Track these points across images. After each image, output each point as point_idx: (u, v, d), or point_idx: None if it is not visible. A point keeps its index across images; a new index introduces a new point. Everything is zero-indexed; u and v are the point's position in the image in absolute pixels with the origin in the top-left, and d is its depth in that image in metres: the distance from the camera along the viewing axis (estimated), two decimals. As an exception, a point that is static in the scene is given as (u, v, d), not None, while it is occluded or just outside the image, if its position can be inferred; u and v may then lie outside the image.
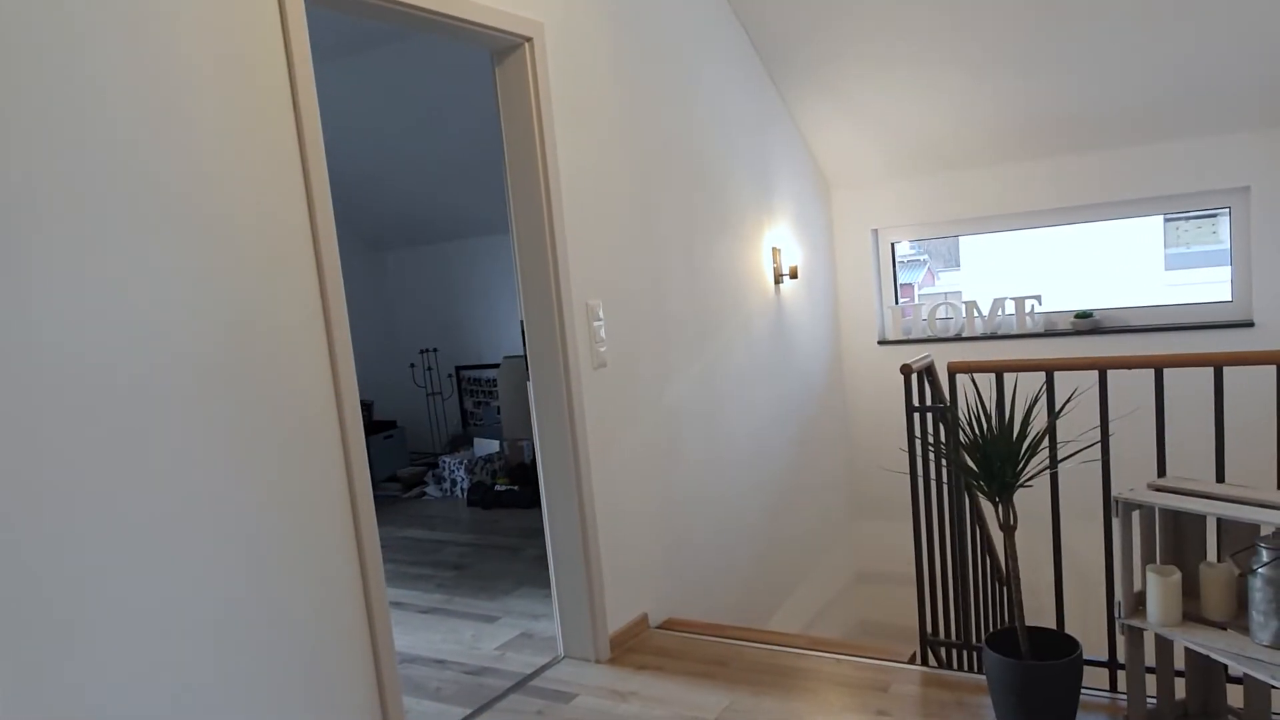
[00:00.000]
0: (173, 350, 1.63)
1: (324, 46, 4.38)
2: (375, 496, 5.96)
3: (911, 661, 2.56)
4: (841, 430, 4.91)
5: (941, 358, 4.58)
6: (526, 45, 2.56)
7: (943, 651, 2.74)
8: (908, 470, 4.41)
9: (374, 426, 6.29)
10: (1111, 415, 2.57)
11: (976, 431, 2.17)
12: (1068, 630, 2.24)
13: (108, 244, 1.53)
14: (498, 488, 5.27)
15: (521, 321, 2.80)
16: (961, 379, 2.62)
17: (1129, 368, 2.21)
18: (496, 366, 6.19)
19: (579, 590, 2.82)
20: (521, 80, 2.59)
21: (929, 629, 2.69)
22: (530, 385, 2.81)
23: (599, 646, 2.78)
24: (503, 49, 2.59)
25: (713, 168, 3.57)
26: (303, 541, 1.85)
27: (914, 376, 2.60)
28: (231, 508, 1.72)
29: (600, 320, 2.87)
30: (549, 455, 2.80)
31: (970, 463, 2.20)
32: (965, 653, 2.75)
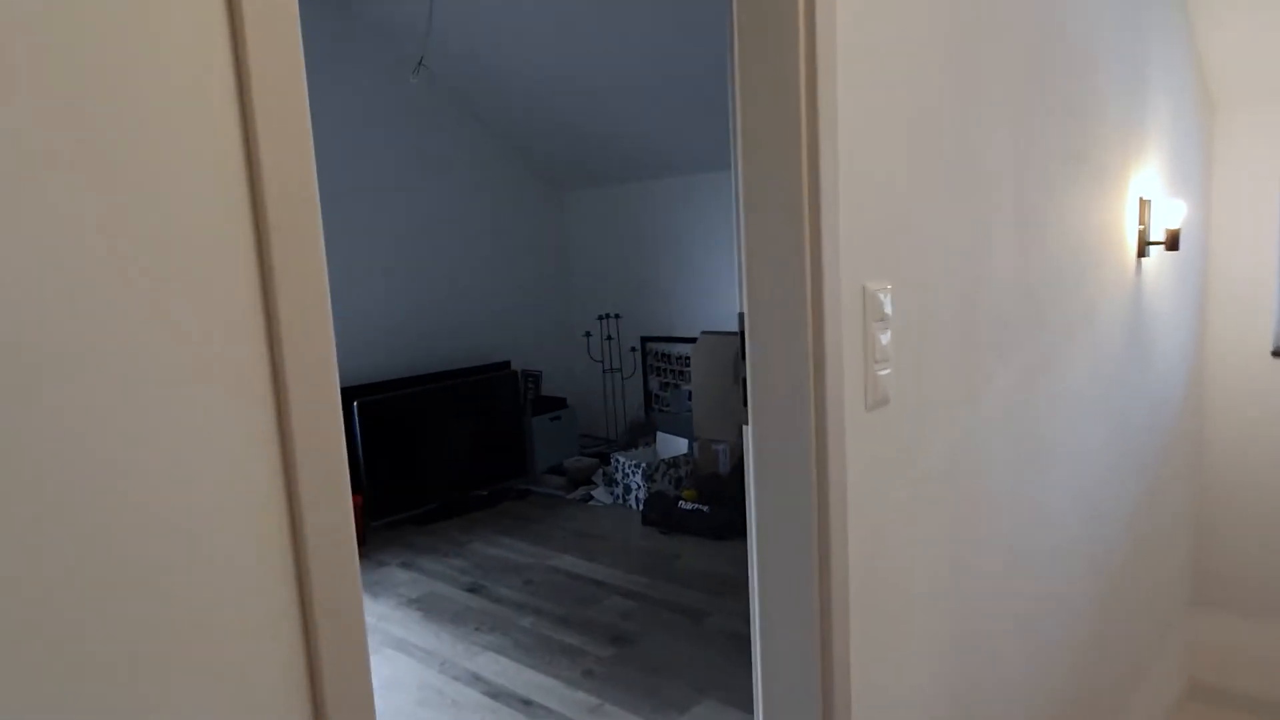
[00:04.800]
0: None
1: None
2: (533, 494, 5.04)
3: None
4: (1189, 478, 3.30)
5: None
6: None
7: None
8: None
9: (541, 403, 5.26)
10: None
11: None
12: None
13: None
14: (682, 505, 4.07)
15: (741, 316, 1.52)
16: None
17: None
18: (691, 342, 4.95)
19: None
20: None
21: None
22: (748, 432, 1.53)
23: None
24: None
25: (1065, 66, 2.09)
26: None
27: None
28: None
29: (884, 318, 1.54)
30: (773, 563, 1.51)
31: None
32: None
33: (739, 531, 3.91)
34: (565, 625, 3.03)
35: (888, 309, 1.55)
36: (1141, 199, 2.54)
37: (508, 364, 5.17)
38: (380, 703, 2.57)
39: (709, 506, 4.01)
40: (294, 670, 0.78)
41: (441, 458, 4.57)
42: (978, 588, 1.86)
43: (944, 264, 1.69)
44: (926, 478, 1.68)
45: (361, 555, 3.89)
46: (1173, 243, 2.57)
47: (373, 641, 2.99)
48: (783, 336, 1.46)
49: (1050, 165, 2.02)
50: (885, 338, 1.56)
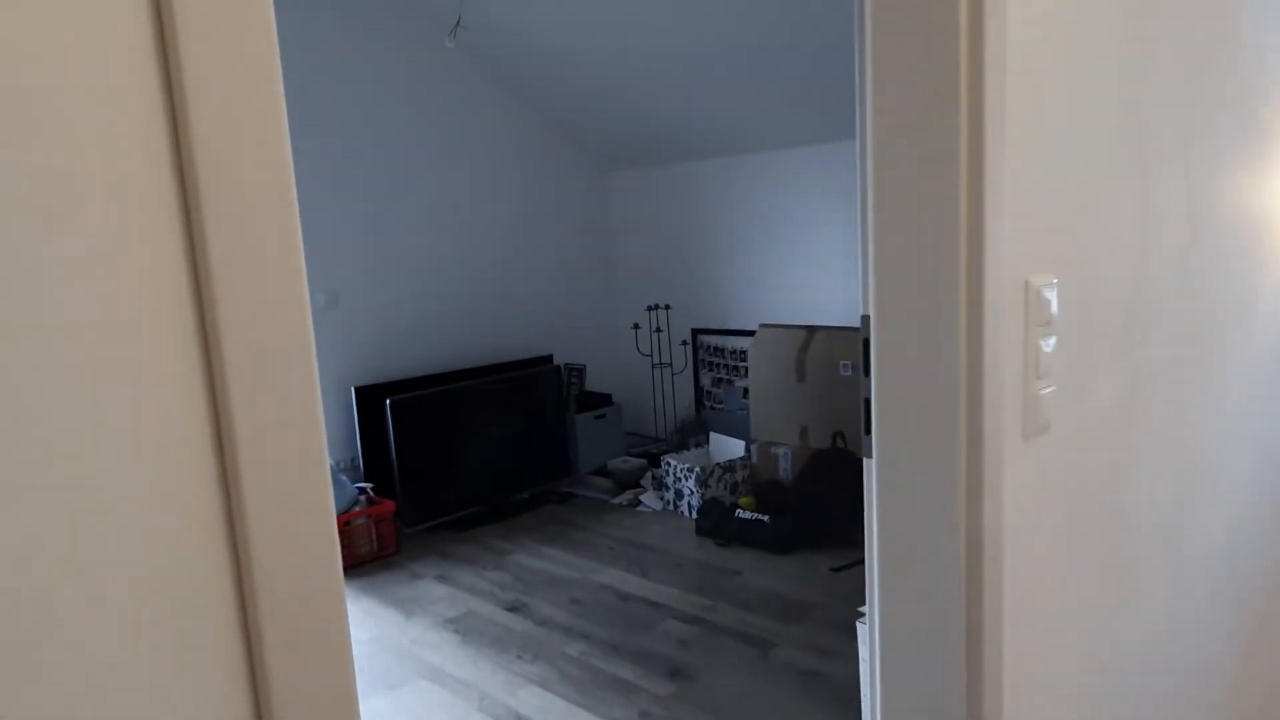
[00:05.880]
0: None
1: None
2: (577, 497, 4.47)
3: None
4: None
5: None
6: None
7: None
8: None
9: (585, 400, 4.96)
10: None
11: None
12: None
13: None
14: (740, 514, 3.75)
15: (865, 319, 1.20)
16: None
17: None
18: (748, 335, 4.62)
19: None
20: None
21: None
22: (871, 467, 1.21)
23: None
24: None
25: (1235, 9, 1.72)
26: None
27: None
28: None
29: (1049, 323, 1.21)
30: (905, 638, 1.20)
31: None
32: None
33: (803, 544, 3.58)
34: (617, 654, 2.73)
35: (1054, 310, 1.22)
36: (1301, 179, 2.15)
37: (550, 358, 4.87)
38: (412, 746, 2.29)
39: (769, 516, 3.68)
40: None
41: (480, 459, 4.29)
42: (1129, 653, 1.53)
43: (1109, 253, 1.35)
44: (1082, 522, 1.35)
45: (395, 566, 3.62)
46: (1339, 230, 2.18)
47: (405, 670, 2.72)
48: (928, 347, 1.13)
49: (1217, 140, 1.67)
50: (1048, 346, 1.23)
